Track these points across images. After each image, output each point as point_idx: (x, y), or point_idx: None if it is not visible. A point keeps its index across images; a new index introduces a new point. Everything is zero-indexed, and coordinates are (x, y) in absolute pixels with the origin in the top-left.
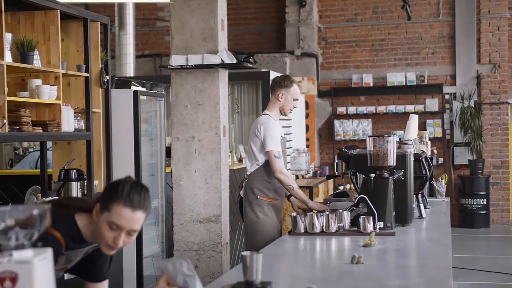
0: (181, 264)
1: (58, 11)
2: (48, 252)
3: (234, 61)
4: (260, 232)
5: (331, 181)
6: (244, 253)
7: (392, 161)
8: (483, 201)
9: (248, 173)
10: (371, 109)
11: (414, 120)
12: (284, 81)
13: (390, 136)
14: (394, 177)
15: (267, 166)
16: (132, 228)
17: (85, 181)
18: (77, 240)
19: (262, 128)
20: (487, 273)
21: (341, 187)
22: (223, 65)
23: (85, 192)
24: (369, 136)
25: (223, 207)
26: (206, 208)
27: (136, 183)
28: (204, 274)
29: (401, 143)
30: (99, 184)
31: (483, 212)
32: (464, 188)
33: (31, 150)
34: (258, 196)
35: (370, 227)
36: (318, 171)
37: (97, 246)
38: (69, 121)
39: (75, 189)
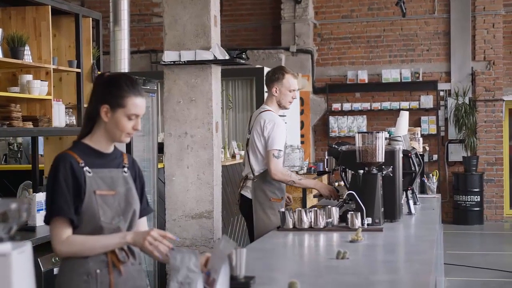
0: (190, 258)
1: (49, 6)
2: (27, 246)
3: (227, 57)
4: None
5: (326, 177)
6: None
7: (380, 157)
8: (477, 198)
9: (256, 174)
10: (366, 105)
11: (404, 117)
12: (275, 74)
13: (379, 132)
14: (382, 173)
15: None
16: (143, 112)
17: None
18: (93, 155)
19: (269, 126)
20: (479, 269)
21: (336, 184)
22: (215, 61)
23: None
24: (358, 133)
25: (215, 203)
26: (199, 204)
27: (127, 75)
28: None
29: (391, 139)
30: None
31: (477, 209)
32: (458, 185)
33: None
34: (271, 198)
35: (358, 223)
36: (313, 168)
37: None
38: (60, 117)
39: None
